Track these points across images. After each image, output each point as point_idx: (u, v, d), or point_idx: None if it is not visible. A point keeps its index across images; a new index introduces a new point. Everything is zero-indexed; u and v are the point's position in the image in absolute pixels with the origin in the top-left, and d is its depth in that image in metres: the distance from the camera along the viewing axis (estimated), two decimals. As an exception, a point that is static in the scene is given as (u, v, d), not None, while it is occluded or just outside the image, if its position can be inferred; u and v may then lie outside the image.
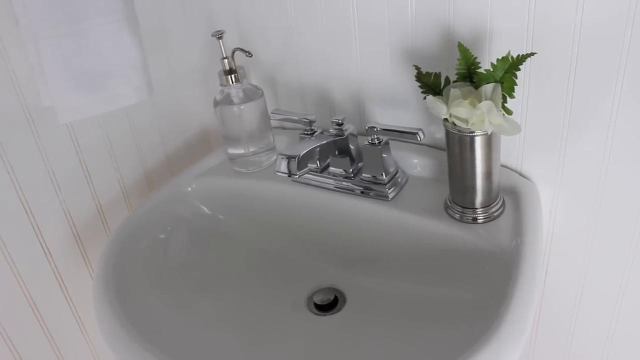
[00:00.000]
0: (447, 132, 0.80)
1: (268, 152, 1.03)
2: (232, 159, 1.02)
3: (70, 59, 0.84)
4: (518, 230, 0.80)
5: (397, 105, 0.95)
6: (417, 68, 0.82)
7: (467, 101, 0.75)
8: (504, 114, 0.76)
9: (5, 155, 0.88)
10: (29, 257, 0.94)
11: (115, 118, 1.02)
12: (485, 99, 0.75)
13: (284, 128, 1.11)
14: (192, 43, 1.12)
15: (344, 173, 0.93)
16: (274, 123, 1.09)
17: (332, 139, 0.91)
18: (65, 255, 1.00)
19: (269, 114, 0.99)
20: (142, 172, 1.11)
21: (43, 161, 0.94)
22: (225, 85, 0.97)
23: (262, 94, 0.99)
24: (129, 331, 0.74)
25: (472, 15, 0.82)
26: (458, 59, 0.78)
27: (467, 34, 0.84)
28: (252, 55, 0.94)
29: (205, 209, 1.01)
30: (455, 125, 0.78)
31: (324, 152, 0.94)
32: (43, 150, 0.93)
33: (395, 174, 0.93)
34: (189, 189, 1.02)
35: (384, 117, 0.98)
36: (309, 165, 0.89)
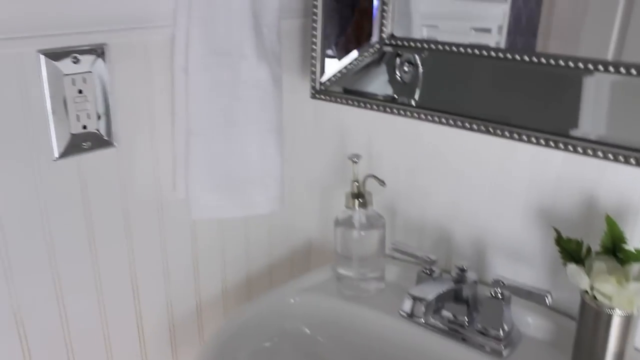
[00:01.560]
0: (583, 304, 0.77)
1: (378, 280, 1.01)
2: (340, 279, 1.01)
3: (217, 159, 0.87)
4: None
5: (520, 259, 0.93)
6: (558, 232, 0.80)
7: (613, 278, 0.73)
8: (650, 299, 0.73)
9: (130, 237, 0.90)
10: (124, 340, 0.94)
11: (233, 219, 1.04)
12: (634, 280, 0.72)
13: (394, 258, 1.10)
14: (318, 157, 1.15)
15: (457, 320, 0.90)
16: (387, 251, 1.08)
17: (452, 283, 0.89)
18: (157, 347, 0.99)
19: (390, 245, 0.99)
20: (244, 275, 1.11)
21: (160, 248, 0.95)
22: (350, 208, 0.98)
23: (384, 224, 0.99)
24: None
25: (621, 188, 0.81)
26: (604, 232, 0.76)
27: (612, 205, 0.82)
28: (385, 186, 0.95)
29: (305, 325, 0.99)
30: (595, 299, 0.75)
31: (440, 294, 0.92)
32: (164, 238, 0.95)
33: (511, 330, 0.89)
34: (292, 301, 1.00)
35: (504, 269, 0.95)
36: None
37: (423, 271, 0.95)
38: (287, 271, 1.19)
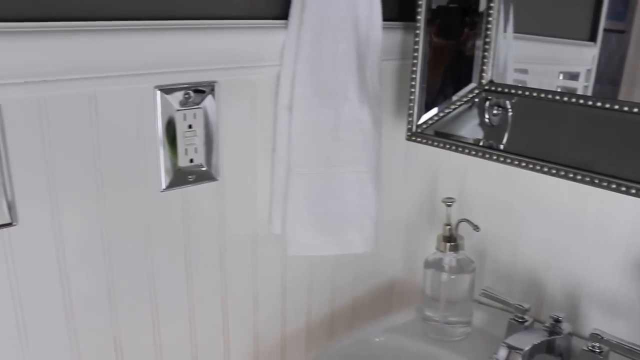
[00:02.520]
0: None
1: (465, 325, 1.00)
2: (427, 320, 1.01)
3: (316, 198, 0.88)
4: None
5: (618, 313, 0.91)
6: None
7: None
8: None
9: (224, 268, 0.92)
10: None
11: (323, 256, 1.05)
12: None
13: (480, 302, 1.09)
14: (406, 197, 1.15)
15: (550, 373, 0.88)
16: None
17: (546, 334, 0.87)
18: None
19: (480, 290, 0.98)
20: (328, 311, 1.11)
21: (252, 281, 0.97)
22: (441, 251, 0.97)
23: (474, 269, 0.98)
24: None
25: None
26: None
27: None
28: (479, 230, 0.94)
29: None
30: None
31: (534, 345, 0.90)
32: (255, 271, 0.97)
33: (607, 388, 0.86)
34: (377, 340, 1.00)
35: (600, 322, 0.93)
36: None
37: (514, 319, 0.93)
38: (369, 309, 1.19)
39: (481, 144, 0.97)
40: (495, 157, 0.92)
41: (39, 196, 0.74)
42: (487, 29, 0.92)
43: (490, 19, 0.92)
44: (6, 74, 0.67)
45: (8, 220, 0.73)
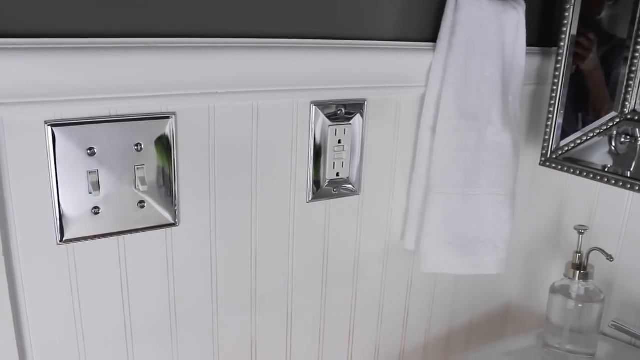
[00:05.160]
0: None
1: (588, 357, 0.99)
2: (548, 347, 1.00)
3: (453, 217, 0.90)
4: None
5: None
6: None
7: None
8: None
9: (356, 279, 0.95)
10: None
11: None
12: None
13: (604, 334, 1.07)
14: (529, 222, 1.15)
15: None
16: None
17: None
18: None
19: (610, 321, 0.96)
20: (446, 330, 1.12)
21: (380, 294, 0.99)
22: (570, 278, 0.97)
23: (603, 299, 0.97)
24: None
25: None
26: None
27: None
28: (613, 260, 0.93)
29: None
30: None
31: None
32: (384, 284, 0.99)
33: None
34: (495, 364, 1.01)
35: None
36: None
37: (647, 353, 0.91)
38: (484, 331, 1.19)
39: (611, 170, 0.96)
40: (629, 186, 0.92)
41: (200, 200, 0.79)
42: (634, 57, 0.92)
43: (638, 47, 0.91)
44: (183, 86, 0.72)
45: (172, 221, 0.78)
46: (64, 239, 0.71)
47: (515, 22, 0.90)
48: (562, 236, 1.11)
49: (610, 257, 0.94)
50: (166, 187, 0.76)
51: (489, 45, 0.87)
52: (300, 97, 0.82)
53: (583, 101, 0.98)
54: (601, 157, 0.99)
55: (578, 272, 0.96)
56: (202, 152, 0.77)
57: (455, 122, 0.88)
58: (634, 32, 0.92)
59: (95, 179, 0.71)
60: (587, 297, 0.96)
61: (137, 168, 0.73)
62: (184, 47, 0.70)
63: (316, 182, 0.87)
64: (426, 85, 0.90)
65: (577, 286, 0.97)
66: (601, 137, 0.99)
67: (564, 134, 0.99)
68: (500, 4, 0.88)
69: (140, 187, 0.73)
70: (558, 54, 0.97)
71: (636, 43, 0.91)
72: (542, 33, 1.03)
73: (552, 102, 0.98)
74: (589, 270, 0.97)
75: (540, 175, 1.12)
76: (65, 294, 0.73)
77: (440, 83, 0.88)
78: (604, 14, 0.95)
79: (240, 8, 0.75)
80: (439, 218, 0.90)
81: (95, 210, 0.72)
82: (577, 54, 0.96)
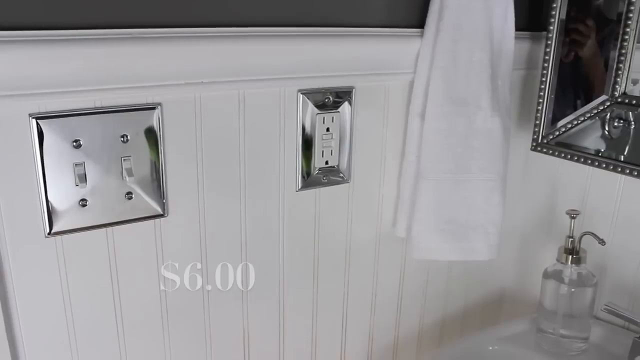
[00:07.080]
0: None
1: (582, 340, 0.99)
2: (541, 332, 1.00)
3: (443, 204, 0.90)
4: None
5: None
6: None
7: None
8: None
9: (348, 267, 0.95)
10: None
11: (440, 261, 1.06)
12: None
13: (598, 318, 1.07)
14: (522, 207, 1.15)
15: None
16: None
17: (675, 353, 0.86)
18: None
19: (602, 305, 0.96)
20: (440, 316, 1.12)
21: (372, 281, 0.99)
22: (562, 263, 0.97)
23: (596, 283, 0.97)
24: None
25: None
26: None
27: None
28: (605, 244, 0.93)
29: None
30: None
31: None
32: (376, 272, 0.99)
33: None
34: (490, 349, 1.01)
35: None
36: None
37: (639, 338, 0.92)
38: (478, 317, 1.19)
39: (604, 155, 0.96)
40: (620, 169, 0.91)
41: (188, 191, 0.79)
42: (624, 39, 0.91)
43: (627, 29, 0.90)
44: (169, 76, 0.72)
45: (161, 212, 0.78)
46: (52, 231, 0.71)
47: (504, 7, 0.89)
48: (555, 221, 1.11)
49: (602, 241, 0.94)
50: (154, 178, 0.76)
51: (477, 30, 0.87)
52: (287, 85, 0.82)
53: (573, 85, 0.98)
54: (593, 141, 0.99)
55: (570, 256, 0.97)
56: (189, 142, 0.77)
57: (445, 107, 0.87)
58: (624, 14, 0.91)
59: (82, 171, 0.70)
60: (580, 282, 0.96)
61: (124, 159, 0.73)
62: (169, 37, 0.70)
63: (305, 171, 0.86)
64: (414, 72, 0.89)
65: (570, 271, 0.97)
66: (592, 121, 0.98)
67: (555, 119, 0.99)
68: (488, -11, 0.88)
69: (127, 179, 0.73)
70: (547, 38, 0.96)
71: (625, 26, 0.91)
72: (531, 17, 1.02)
73: (542, 86, 0.98)
74: (581, 254, 0.97)
75: (532, 161, 1.12)
76: (54, 286, 0.73)
77: (428, 69, 0.88)
78: (592, -3, 0.94)
79: (225, -3, 0.74)
80: (430, 205, 0.90)
81: (83, 203, 0.72)
82: (567, 38, 0.95)
